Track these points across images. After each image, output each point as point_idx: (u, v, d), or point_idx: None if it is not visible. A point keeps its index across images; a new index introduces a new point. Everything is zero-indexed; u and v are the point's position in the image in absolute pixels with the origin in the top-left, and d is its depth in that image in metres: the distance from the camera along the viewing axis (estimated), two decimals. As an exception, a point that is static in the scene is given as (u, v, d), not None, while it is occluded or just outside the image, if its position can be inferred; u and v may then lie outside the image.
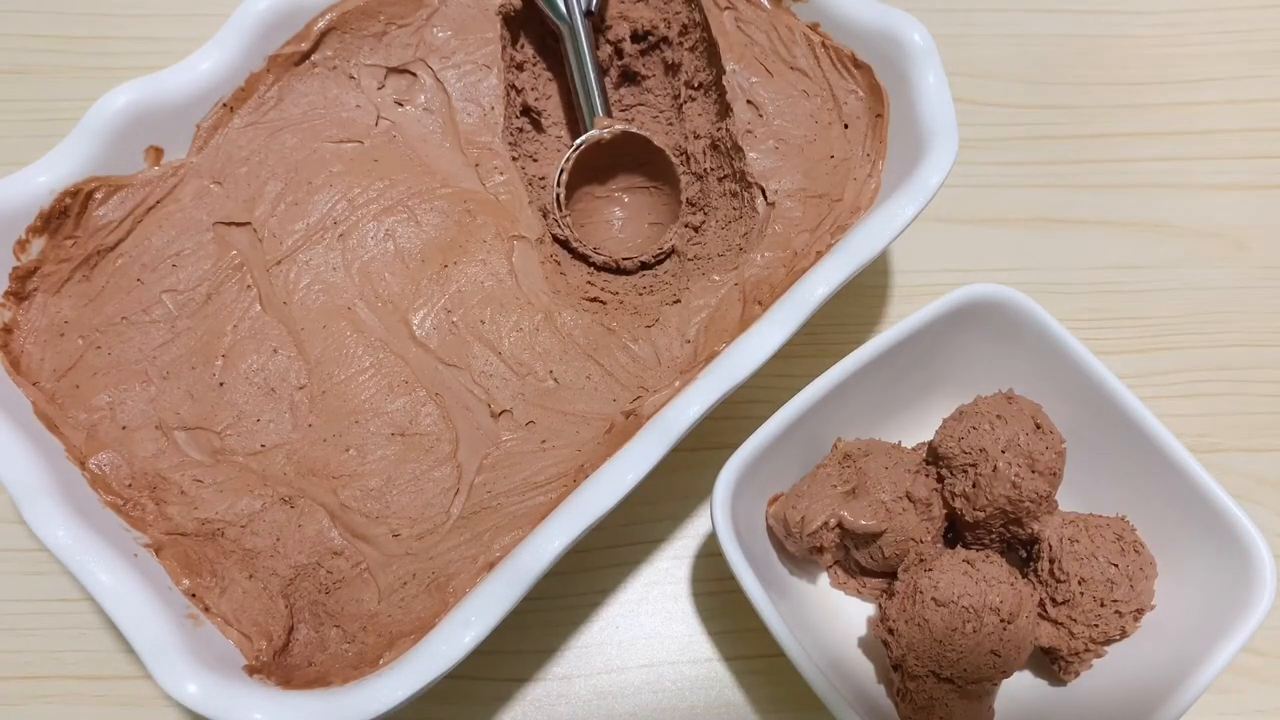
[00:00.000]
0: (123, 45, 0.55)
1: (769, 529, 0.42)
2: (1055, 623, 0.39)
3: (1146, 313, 0.51)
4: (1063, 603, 0.39)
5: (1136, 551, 0.39)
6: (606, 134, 0.46)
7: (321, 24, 0.44)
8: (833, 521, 0.39)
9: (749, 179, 0.44)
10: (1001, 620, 0.37)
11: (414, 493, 0.39)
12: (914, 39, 0.42)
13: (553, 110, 0.50)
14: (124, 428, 0.38)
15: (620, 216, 0.49)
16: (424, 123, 0.45)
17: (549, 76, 0.50)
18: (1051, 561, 0.39)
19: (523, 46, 0.49)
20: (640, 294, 0.46)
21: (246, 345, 0.40)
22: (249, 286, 0.41)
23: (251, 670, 0.33)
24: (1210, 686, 0.36)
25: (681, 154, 0.48)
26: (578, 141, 0.46)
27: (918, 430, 0.44)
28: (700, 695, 0.43)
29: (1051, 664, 0.40)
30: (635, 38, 0.49)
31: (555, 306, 0.42)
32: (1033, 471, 0.39)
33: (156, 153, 0.41)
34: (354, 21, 0.45)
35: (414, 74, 0.45)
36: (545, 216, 0.46)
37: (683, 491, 0.46)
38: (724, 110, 0.46)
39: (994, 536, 0.41)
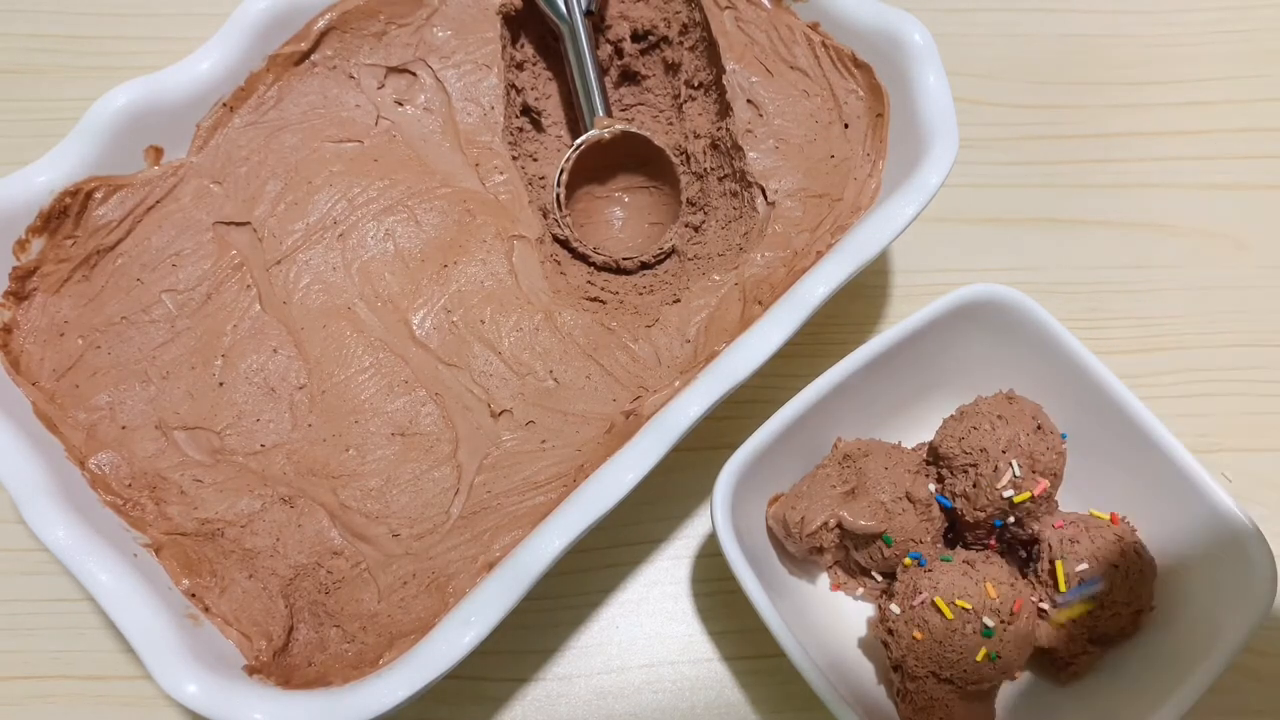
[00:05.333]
0: (123, 45, 0.55)
1: (769, 529, 0.42)
2: (1055, 623, 0.39)
3: (1146, 313, 0.51)
4: (1063, 603, 0.39)
5: (1136, 552, 0.39)
6: (607, 134, 0.46)
7: (321, 24, 0.44)
8: (832, 522, 0.39)
9: (749, 179, 0.44)
10: (1001, 621, 0.37)
11: (414, 493, 0.38)
12: (914, 39, 0.42)
13: (553, 110, 0.50)
14: (124, 428, 0.38)
15: (620, 216, 0.49)
16: (424, 122, 0.45)
17: (549, 76, 0.50)
18: (1051, 562, 0.39)
19: (523, 46, 0.49)
20: (640, 294, 0.46)
21: (246, 345, 0.40)
22: (249, 286, 0.41)
23: (251, 670, 0.33)
24: (1210, 686, 0.36)
25: (681, 154, 0.48)
26: (578, 141, 0.46)
27: (918, 430, 0.44)
28: (700, 695, 0.43)
29: (1051, 664, 0.40)
30: (635, 37, 0.49)
31: (555, 306, 0.42)
32: (1033, 472, 0.39)
33: (156, 152, 0.41)
34: (354, 21, 0.45)
35: (414, 74, 0.45)
36: (545, 216, 0.46)
37: (683, 491, 0.46)
38: (724, 110, 0.46)
39: (994, 537, 0.41)
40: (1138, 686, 0.38)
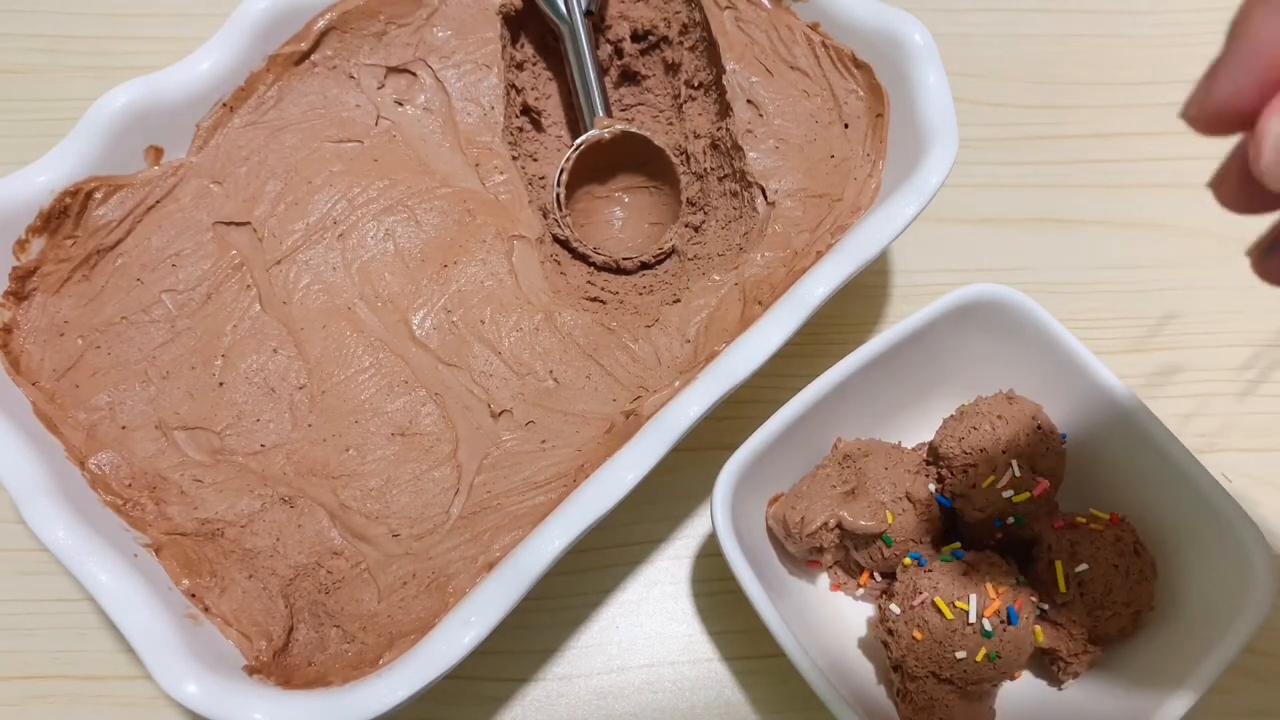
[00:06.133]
0: (123, 45, 0.55)
1: (769, 529, 0.42)
2: (1055, 623, 0.39)
3: (1146, 313, 0.51)
4: (1062, 604, 0.39)
5: (1136, 552, 0.39)
6: (606, 134, 0.46)
7: (321, 24, 0.44)
8: (832, 522, 0.39)
9: (749, 179, 0.44)
10: (1001, 621, 0.37)
11: (414, 493, 0.38)
12: (914, 39, 0.42)
13: (553, 110, 0.50)
14: (124, 428, 0.38)
15: (620, 216, 0.49)
16: (424, 122, 0.45)
17: (549, 76, 0.50)
18: (1051, 562, 0.39)
19: (523, 46, 0.49)
20: (640, 294, 0.46)
21: (246, 345, 0.40)
22: (249, 286, 0.41)
23: (251, 670, 0.33)
24: (1210, 686, 0.36)
25: (681, 154, 0.48)
26: (578, 141, 0.46)
27: (918, 430, 0.44)
28: (700, 695, 0.43)
29: (1051, 664, 0.40)
30: (635, 37, 0.49)
31: (555, 306, 0.42)
32: (1033, 472, 0.39)
33: (156, 152, 0.41)
34: (354, 21, 0.45)
35: (414, 74, 0.45)
36: (545, 216, 0.46)
37: (683, 491, 0.46)
38: (724, 110, 0.46)
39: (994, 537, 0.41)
40: (1138, 686, 0.38)
